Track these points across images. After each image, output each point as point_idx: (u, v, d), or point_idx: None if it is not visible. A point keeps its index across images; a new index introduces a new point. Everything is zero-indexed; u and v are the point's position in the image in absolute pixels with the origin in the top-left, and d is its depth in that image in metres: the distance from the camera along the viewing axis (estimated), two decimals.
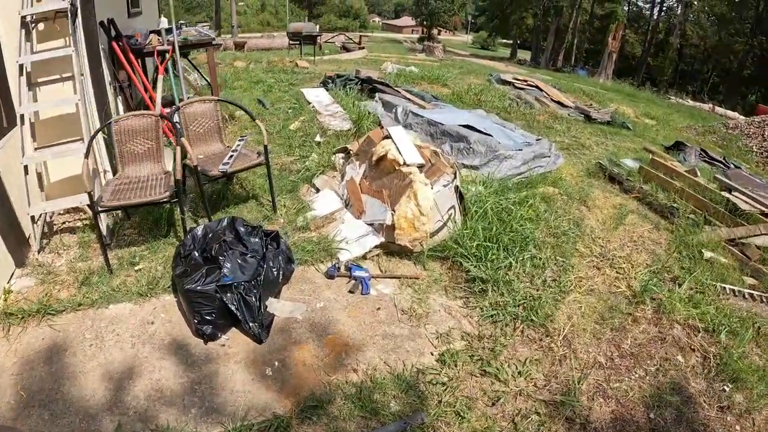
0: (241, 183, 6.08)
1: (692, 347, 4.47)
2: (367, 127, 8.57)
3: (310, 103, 10.44)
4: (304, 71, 13.99)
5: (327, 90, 11.21)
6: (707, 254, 5.72)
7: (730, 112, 18.63)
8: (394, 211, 4.98)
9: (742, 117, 15.73)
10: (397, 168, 5.58)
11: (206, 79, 11.99)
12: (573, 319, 4.55)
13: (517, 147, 7.30)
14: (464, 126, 7.94)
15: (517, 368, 3.74)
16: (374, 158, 6.01)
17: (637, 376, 4.11)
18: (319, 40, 22.62)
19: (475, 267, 4.77)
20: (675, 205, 6.58)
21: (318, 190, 6.41)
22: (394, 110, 9.24)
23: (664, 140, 10.87)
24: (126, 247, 4.60)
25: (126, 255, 4.45)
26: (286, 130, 8.99)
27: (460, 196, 5.57)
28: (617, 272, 5.38)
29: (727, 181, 6.96)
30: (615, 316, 4.67)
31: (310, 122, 9.35)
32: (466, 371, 3.63)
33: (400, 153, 5.68)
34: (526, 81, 13.15)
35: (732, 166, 9.13)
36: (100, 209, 4.02)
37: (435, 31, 34.52)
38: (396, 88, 10.50)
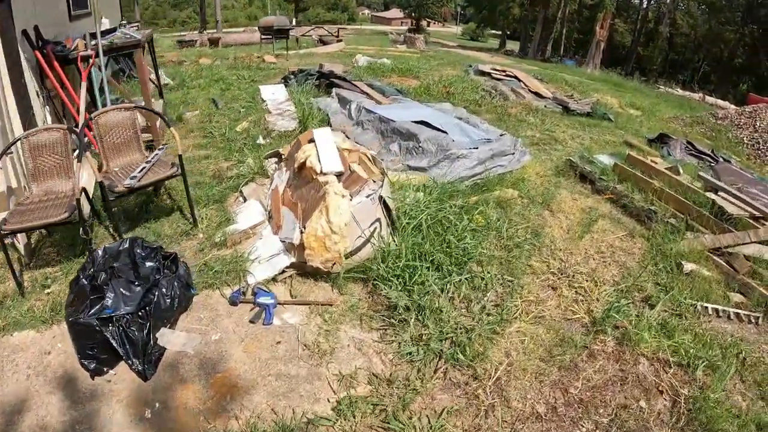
0: (169, 193, 5.66)
1: (660, 388, 3.63)
2: (312, 126, 7.74)
3: (264, 101, 9.67)
4: (270, 67, 13.23)
5: (287, 86, 10.41)
6: (688, 266, 4.87)
7: (720, 102, 17.67)
8: (304, 228, 4.34)
9: (732, 106, 14.76)
10: (314, 177, 4.80)
11: (169, 79, 11.29)
12: (511, 357, 3.73)
13: (473, 144, 6.44)
14: (419, 122, 7.10)
15: (429, 422, 3.09)
16: (296, 165, 5.22)
17: (584, 430, 3.27)
18: (296, 34, 21.91)
19: (397, 292, 3.98)
20: (653, 207, 5.73)
21: (246, 200, 5.66)
22: (348, 107, 8.42)
23: (648, 132, 9.96)
24: (42, 268, 4.28)
25: (40, 276, 4.16)
26: (232, 131, 8.29)
27: (387, 207, 4.74)
28: (577, 292, 4.54)
29: (712, 180, 6.08)
30: (566, 350, 3.84)
31: (257, 123, 8.58)
32: (366, 425, 3.04)
33: (319, 160, 4.89)
34: (504, 71, 12.27)
35: (721, 159, 8.24)
36: (3, 233, 3.76)
37: (424, 23, 33.61)
38: (354, 83, 9.66)
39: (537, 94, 11.07)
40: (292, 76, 10.87)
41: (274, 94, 9.99)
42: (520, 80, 11.79)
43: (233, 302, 3.92)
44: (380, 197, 4.63)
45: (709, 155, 8.34)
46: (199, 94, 10.82)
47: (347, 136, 6.17)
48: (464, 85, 11.29)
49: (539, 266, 4.84)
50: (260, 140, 7.87)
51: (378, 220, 4.66)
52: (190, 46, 18.72)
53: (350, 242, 4.17)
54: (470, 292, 4.25)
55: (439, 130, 6.92)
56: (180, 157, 4.67)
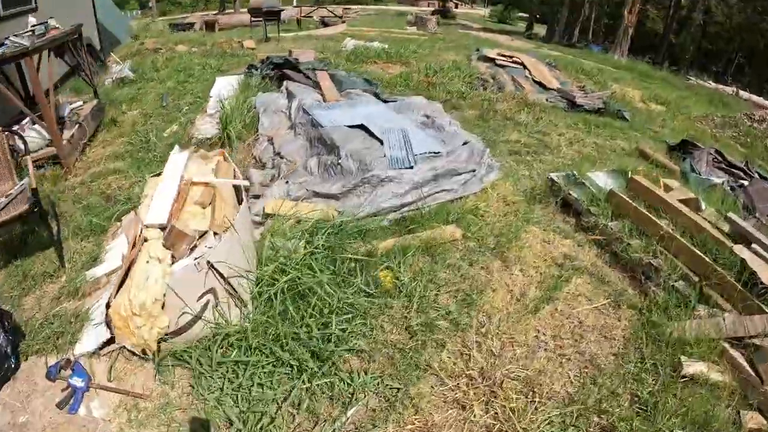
0: (59, 220, 4.78)
1: None
2: (235, 133, 6.27)
3: (211, 98, 8.22)
4: (245, 53, 11.79)
5: (250, 77, 8.93)
6: (690, 367, 3.14)
7: (755, 97, 14.97)
8: (109, 303, 3.12)
9: None
10: (138, 230, 3.46)
11: (129, 71, 10.07)
12: None
13: (406, 162, 4.76)
14: (356, 126, 5.48)
15: None
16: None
17: None
18: (297, 15, 20.32)
19: (218, 395, 2.82)
20: (655, 262, 3.94)
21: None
22: (290, 105, 6.86)
23: (670, 136, 7.93)
24: None
25: None
26: (159, 136, 6.88)
27: (221, 275, 3.21)
28: (496, 416, 2.87)
29: (744, 225, 4.19)
30: None
31: (186, 126, 7.14)
32: None
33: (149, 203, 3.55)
34: (511, 57, 10.34)
35: (756, 175, 6.20)
36: None
37: (451, 4, 31.26)
38: (309, 73, 8.04)
39: (541, 84, 9.15)
40: (259, 65, 9.34)
41: (225, 88, 8.51)
42: (526, 67, 9.85)
43: (50, 377, 3.19)
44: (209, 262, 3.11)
45: (741, 169, 6.30)
46: (154, 88, 9.51)
47: (226, 158, 4.62)
48: (458, 72, 9.50)
49: (451, 363, 3.20)
50: (175, 150, 6.42)
51: (212, 290, 3.16)
52: (185, 29, 17.40)
53: (174, 318, 3.15)
54: (322, 405, 2.68)
55: (375, 137, 5.27)
56: (35, 191, 3.98)
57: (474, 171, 5.17)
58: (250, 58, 11.32)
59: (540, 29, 20.53)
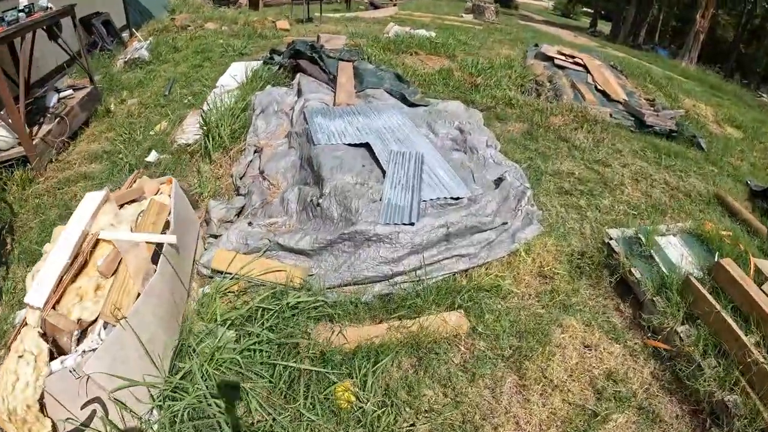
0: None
1: None
2: (217, 141, 5.23)
3: (216, 88, 7.22)
4: (276, 35, 10.71)
5: (270, 64, 7.87)
6: None
7: None
8: None
9: None
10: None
11: (147, 52, 9.25)
12: None
13: (405, 218, 3.55)
14: (360, 145, 4.35)
15: None
16: None
17: None
18: None
19: None
20: (729, 400, 2.67)
21: None
22: (293, 107, 5.76)
23: (750, 174, 6.33)
24: None
25: None
26: (145, 134, 6.32)
27: None
28: None
29: None
30: None
31: (176, 124, 6.19)
32: None
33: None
34: (572, 57, 8.76)
35: None
36: None
37: None
38: (328, 64, 6.87)
39: (605, 93, 7.60)
40: (276, 53, 8.24)
41: (234, 77, 7.47)
42: (588, 71, 8.28)
43: None
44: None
45: None
46: (165, 72, 8.66)
47: (170, 195, 3.54)
48: (509, 72, 8.07)
49: None
50: (151, 157, 5.48)
51: (97, 399, 2.40)
52: (228, 5, 16.46)
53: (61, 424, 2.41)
54: None
55: (379, 166, 4.10)
56: None
57: (506, 225, 3.89)
58: (279, 40, 10.25)
59: (604, 27, 18.54)
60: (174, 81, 8.06)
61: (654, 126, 6.75)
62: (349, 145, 4.61)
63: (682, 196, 5.25)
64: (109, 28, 9.71)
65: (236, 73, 7.66)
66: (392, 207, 3.62)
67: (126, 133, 6.25)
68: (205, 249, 3.77)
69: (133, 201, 3.68)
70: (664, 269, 3.53)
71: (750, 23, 19.94)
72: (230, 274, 3.39)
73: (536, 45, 10.26)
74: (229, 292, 3.24)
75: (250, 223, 3.83)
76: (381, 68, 7.30)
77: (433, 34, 10.19)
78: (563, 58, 8.77)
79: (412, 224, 3.49)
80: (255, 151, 5.24)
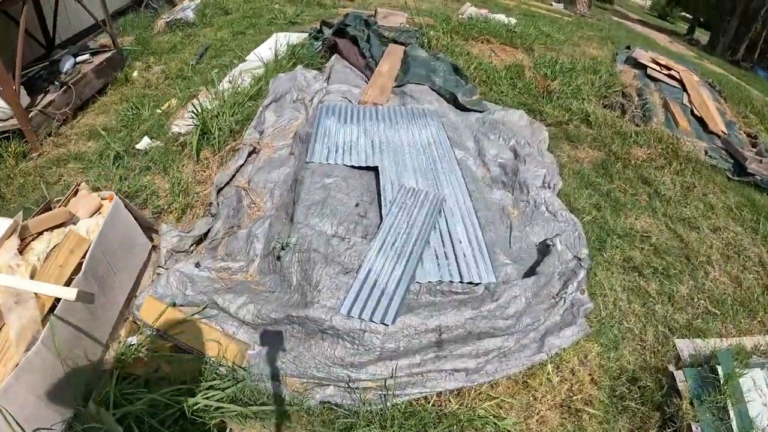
0: None
1: None
2: (216, 134, 4.41)
3: (245, 62, 6.41)
4: (337, 5, 9.69)
5: (314, 38, 6.96)
6: None
7: None
8: None
9: None
10: None
11: (192, 13, 8.55)
12: None
13: (377, 315, 2.57)
14: (364, 168, 3.46)
15: None
16: None
17: None
18: None
19: None
20: None
21: None
22: (313, 98, 4.87)
23: None
24: None
25: None
26: (154, 111, 5.56)
27: None
28: None
29: None
30: None
31: (185, 102, 5.45)
32: None
33: None
34: (668, 69, 7.25)
35: None
36: None
37: None
38: (371, 43, 5.88)
39: (701, 121, 6.17)
40: (326, 26, 7.28)
41: (271, 50, 6.58)
42: (685, 89, 6.81)
43: None
44: None
45: None
46: (205, 37, 7.86)
47: (116, 209, 2.72)
48: (592, 78, 6.72)
49: None
50: (142, 143, 4.75)
51: None
52: None
53: None
54: None
55: (380, 208, 3.15)
56: None
57: (535, 324, 2.85)
58: (336, 11, 9.24)
59: (702, 35, 16.31)
60: (207, 49, 7.28)
61: (757, 175, 5.36)
62: (353, 167, 3.65)
63: None
64: None
65: (275, 46, 6.76)
66: (366, 289, 2.66)
67: (134, 108, 5.55)
68: (152, 282, 2.99)
69: (61, 225, 2.91)
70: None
71: None
72: (159, 330, 2.59)
73: (628, 47, 8.74)
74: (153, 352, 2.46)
75: (197, 264, 2.97)
76: (438, 56, 6.22)
77: (513, 21, 8.84)
78: (657, 68, 7.31)
79: (385, 325, 2.51)
80: (250, 153, 4.34)
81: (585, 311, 3.11)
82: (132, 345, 2.65)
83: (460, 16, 8.86)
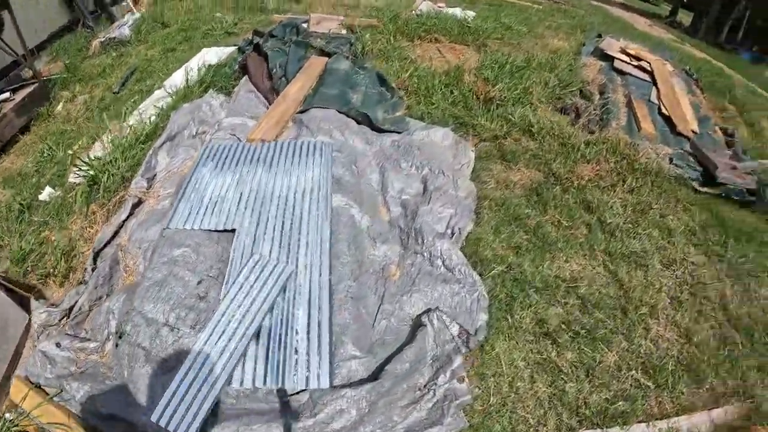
0: None
1: None
2: (109, 184, 3.94)
3: (160, 89, 5.89)
4: (282, 9, 9.06)
5: (241, 53, 6.41)
6: None
7: None
8: None
9: None
10: None
11: (128, 30, 8.00)
12: None
13: None
14: (223, 231, 2.92)
15: None
16: None
17: None
18: None
19: None
20: None
21: None
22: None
23: None
24: None
25: None
26: (64, 154, 4.97)
27: None
28: None
29: None
30: None
31: (92, 142, 5.01)
32: None
33: None
34: (638, 60, 6.43)
35: None
36: None
37: None
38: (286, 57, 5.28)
39: (670, 120, 5.42)
40: (258, 36, 6.68)
41: (192, 70, 6.01)
42: (655, 83, 6.02)
43: None
44: None
45: None
46: (137, 57, 7.28)
47: None
48: (546, 77, 5.98)
49: None
50: (45, 194, 4.32)
51: None
52: None
53: None
54: None
55: None
56: None
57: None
58: (280, 16, 8.57)
59: (685, 17, 15.39)
60: (133, 71, 6.72)
61: (726, 184, 4.64)
62: (212, 231, 3.10)
63: (741, 338, 3.32)
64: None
65: (197, 65, 6.18)
66: (180, 392, 2.22)
67: (49, 149, 5.07)
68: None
69: None
70: None
71: None
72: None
73: (599, 36, 7.92)
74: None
75: (58, 344, 2.62)
76: (363, 67, 5.60)
77: (471, 15, 8.09)
78: (626, 59, 6.52)
79: None
80: (135, 205, 3.81)
81: (460, 405, 2.49)
82: (7, 422, 2.56)
83: (413, 12, 8.14)
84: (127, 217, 3.71)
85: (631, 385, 2.92)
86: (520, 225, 3.83)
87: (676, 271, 3.75)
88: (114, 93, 6.19)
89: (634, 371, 2.97)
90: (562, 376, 2.89)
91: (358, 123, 4.59)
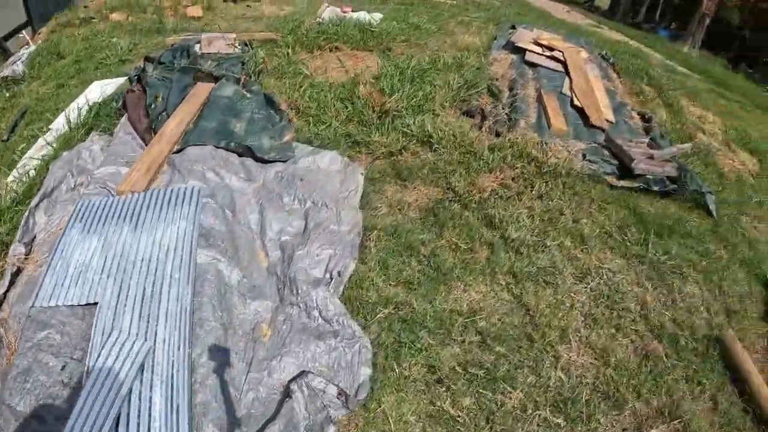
0: None
1: None
2: None
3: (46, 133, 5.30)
4: (180, 28, 8.37)
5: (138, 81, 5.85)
6: None
7: None
8: None
9: None
10: None
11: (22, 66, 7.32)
12: None
13: None
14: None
15: None
16: None
17: None
18: None
19: None
20: None
21: None
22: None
23: None
24: None
25: None
26: None
27: None
28: None
29: None
30: None
31: None
32: None
33: None
34: (551, 50, 6.14)
35: None
36: None
37: None
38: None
39: (583, 113, 5.14)
40: (150, 61, 6.13)
41: (78, 107, 5.38)
42: (568, 75, 5.74)
43: None
44: None
45: None
46: (29, 95, 6.57)
47: None
48: (456, 76, 5.63)
49: None
50: None
51: None
52: None
53: None
54: None
55: None
56: None
57: None
58: (176, 37, 7.95)
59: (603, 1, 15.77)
60: (24, 114, 6.05)
61: (646, 174, 4.38)
62: (76, 306, 2.67)
63: (665, 349, 3.01)
64: None
65: (81, 103, 5.56)
66: None
67: None
68: None
69: None
70: None
71: (757, 6, 16.85)
72: None
73: (513, 27, 7.65)
74: None
75: None
76: (251, 89, 5.15)
77: (377, 17, 7.72)
78: (539, 50, 6.24)
79: None
80: (15, 274, 3.29)
81: None
82: None
83: (318, 19, 7.71)
84: (8, 288, 3.17)
85: (539, 425, 2.56)
86: (412, 254, 3.44)
87: (590, 283, 3.44)
88: (2, 141, 5.55)
89: (541, 410, 2.61)
90: (459, 428, 2.51)
91: (241, 155, 4.14)
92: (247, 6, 9.74)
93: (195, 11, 8.84)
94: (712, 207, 4.34)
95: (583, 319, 3.21)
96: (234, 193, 3.67)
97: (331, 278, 3.04)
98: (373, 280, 3.22)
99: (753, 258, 4.04)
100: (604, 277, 3.49)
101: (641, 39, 10.63)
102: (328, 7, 8.29)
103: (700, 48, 14.55)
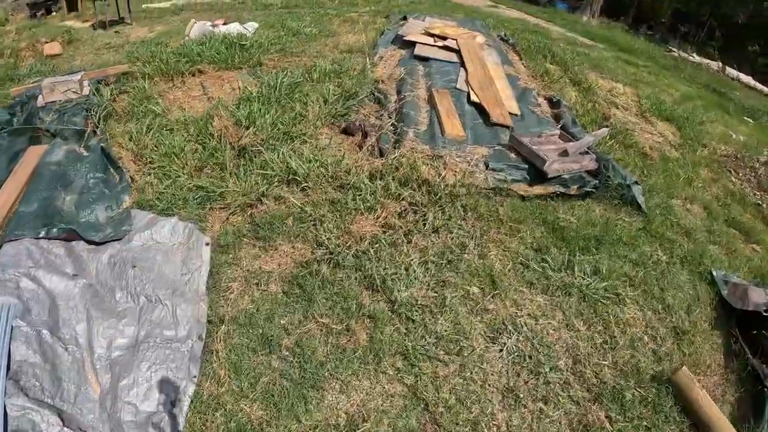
0: None
1: None
2: None
3: None
4: (36, 70, 7.12)
5: None
6: None
7: (744, 77, 11.24)
8: None
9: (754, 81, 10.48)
10: None
11: None
12: None
13: None
14: None
15: None
16: None
17: None
18: None
19: None
20: None
21: None
22: None
23: (711, 242, 3.75)
24: None
25: None
26: None
27: None
28: None
29: None
30: None
31: None
32: None
33: None
34: (443, 39, 5.36)
35: None
36: None
37: None
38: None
39: (481, 109, 4.39)
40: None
41: None
42: (464, 66, 4.97)
43: None
44: None
45: None
46: None
47: None
48: (332, 86, 4.76)
49: None
50: None
51: None
52: (48, 11, 12.26)
53: None
54: None
55: None
56: None
57: None
58: (28, 81, 6.77)
59: None
60: None
61: (561, 176, 3.67)
62: None
63: (608, 412, 2.31)
64: None
65: None
66: None
67: None
68: None
69: None
70: None
71: None
72: None
73: (404, 18, 6.85)
74: None
75: None
76: (88, 146, 4.16)
77: (252, 27, 6.77)
78: (430, 41, 5.44)
79: None
80: None
81: None
82: None
83: (186, 38, 6.70)
84: None
85: None
86: (272, 351, 2.59)
87: (506, 342, 2.66)
88: None
89: None
90: None
91: (68, 241, 3.18)
92: (116, 32, 8.56)
93: (52, 48, 7.59)
94: (640, 200, 3.73)
95: (500, 398, 2.45)
96: (56, 299, 2.72)
97: (167, 411, 2.17)
98: (220, 400, 2.36)
99: (693, 252, 3.48)
100: (524, 329, 2.74)
101: (540, 14, 10.12)
102: (195, 23, 7.24)
103: (599, 16, 14.52)
